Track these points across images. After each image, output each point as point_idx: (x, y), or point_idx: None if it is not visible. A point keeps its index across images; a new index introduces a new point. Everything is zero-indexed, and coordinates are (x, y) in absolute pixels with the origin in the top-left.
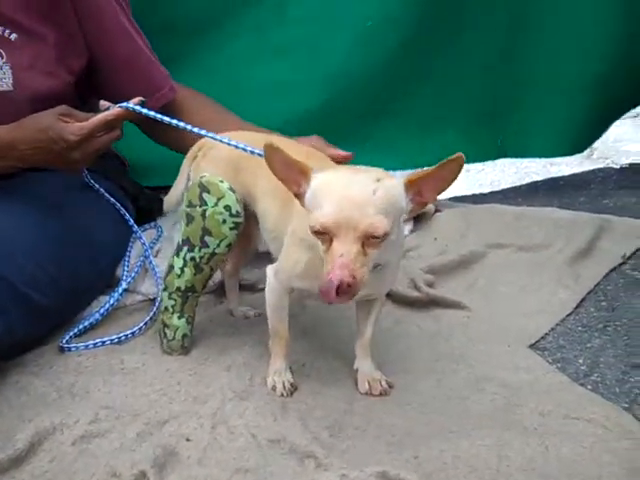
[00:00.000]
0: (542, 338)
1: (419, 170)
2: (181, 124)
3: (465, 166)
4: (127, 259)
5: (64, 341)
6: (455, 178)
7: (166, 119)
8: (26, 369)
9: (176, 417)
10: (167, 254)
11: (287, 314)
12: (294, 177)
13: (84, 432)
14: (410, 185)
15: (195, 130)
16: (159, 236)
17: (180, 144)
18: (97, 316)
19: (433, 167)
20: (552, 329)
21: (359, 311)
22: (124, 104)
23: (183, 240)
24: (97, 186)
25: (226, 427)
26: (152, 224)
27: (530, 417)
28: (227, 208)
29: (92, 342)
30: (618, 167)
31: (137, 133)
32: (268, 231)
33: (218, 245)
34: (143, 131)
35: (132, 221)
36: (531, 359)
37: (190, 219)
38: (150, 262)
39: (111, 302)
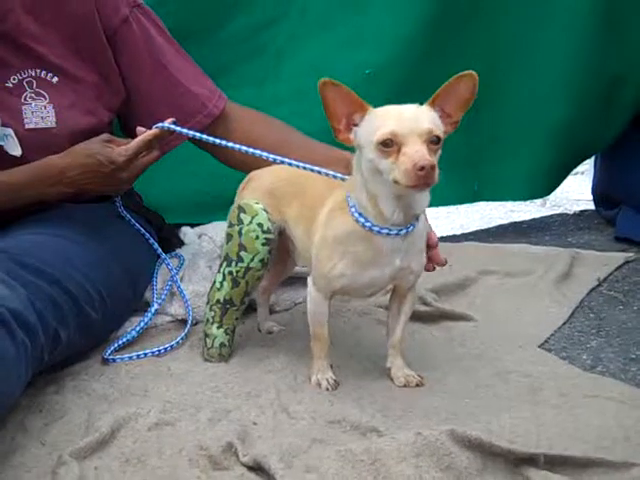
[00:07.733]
0: (545, 341)
1: None
2: (217, 140)
3: (435, 209)
4: (155, 283)
5: (107, 354)
6: (473, 94)
7: (198, 135)
8: (78, 376)
9: (237, 407)
10: (191, 279)
11: (327, 319)
12: (346, 113)
13: (157, 420)
14: (432, 105)
15: (237, 147)
16: (181, 264)
17: (243, 165)
18: (134, 333)
19: (444, 84)
20: (552, 335)
21: (390, 311)
22: (159, 124)
23: (223, 257)
24: (128, 216)
25: (286, 413)
26: (173, 253)
27: (554, 397)
28: (259, 225)
29: (135, 354)
30: (572, 213)
31: (152, 174)
32: (298, 250)
33: (252, 259)
34: (209, 152)
35: (160, 249)
36: (543, 356)
37: (229, 237)
38: (178, 286)
39: (145, 321)
